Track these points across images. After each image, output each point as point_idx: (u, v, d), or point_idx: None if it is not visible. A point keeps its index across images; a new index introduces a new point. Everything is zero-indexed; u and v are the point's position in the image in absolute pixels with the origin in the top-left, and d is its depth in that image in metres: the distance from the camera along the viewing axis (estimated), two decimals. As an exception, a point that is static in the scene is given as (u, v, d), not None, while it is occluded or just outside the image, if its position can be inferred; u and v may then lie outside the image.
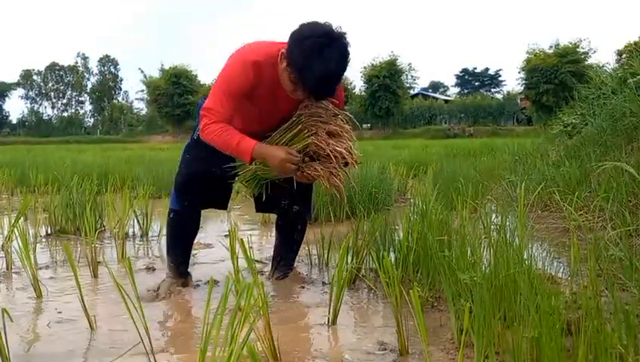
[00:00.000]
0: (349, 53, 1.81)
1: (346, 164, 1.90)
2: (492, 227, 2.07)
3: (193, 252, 2.79)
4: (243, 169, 2.03)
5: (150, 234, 3.34)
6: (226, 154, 1.96)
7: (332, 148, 1.85)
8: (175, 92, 36.90)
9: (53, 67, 64.57)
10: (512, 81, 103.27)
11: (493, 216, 2.70)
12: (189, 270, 2.28)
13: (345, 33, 1.82)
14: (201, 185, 2.13)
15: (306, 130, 1.89)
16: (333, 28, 1.80)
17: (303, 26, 1.81)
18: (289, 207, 2.23)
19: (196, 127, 2.14)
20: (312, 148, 1.88)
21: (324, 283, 2.22)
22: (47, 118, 62.56)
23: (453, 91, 67.23)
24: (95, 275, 2.37)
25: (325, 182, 1.87)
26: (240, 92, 1.90)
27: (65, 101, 64.37)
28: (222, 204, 2.28)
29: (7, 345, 1.38)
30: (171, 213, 2.21)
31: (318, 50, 1.74)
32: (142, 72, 51.31)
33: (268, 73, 1.88)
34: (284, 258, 2.33)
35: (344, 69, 1.82)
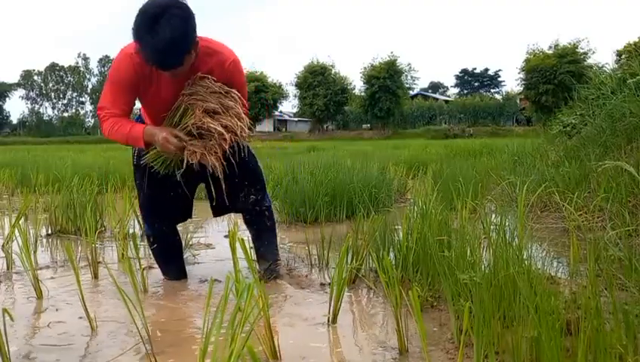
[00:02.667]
0: (184, 24, 1.76)
1: (225, 140, 1.89)
2: (492, 227, 2.07)
3: (194, 252, 2.81)
4: (155, 159, 2.02)
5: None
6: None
7: (207, 126, 1.87)
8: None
9: (53, 67, 64.57)
10: (512, 82, 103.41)
11: (493, 216, 2.71)
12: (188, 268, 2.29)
13: (186, 5, 1.80)
14: (161, 202, 2.21)
15: (189, 110, 1.91)
16: (176, 0, 1.78)
17: (146, 2, 1.79)
18: (246, 198, 2.26)
19: (133, 153, 2.22)
20: (192, 126, 1.89)
21: (323, 284, 2.22)
22: (47, 118, 62.58)
23: (453, 92, 67.32)
24: (95, 275, 2.37)
25: (205, 158, 1.89)
26: (124, 82, 1.93)
27: (65, 101, 64.37)
28: (186, 214, 2.32)
29: (7, 345, 1.38)
30: (150, 239, 2.29)
31: (149, 23, 1.73)
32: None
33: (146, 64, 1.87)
34: (267, 253, 2.32)
35: (181, 37, 1.76)
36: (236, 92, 1.98)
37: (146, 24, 1.73)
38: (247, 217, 2.34)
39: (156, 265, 2.60)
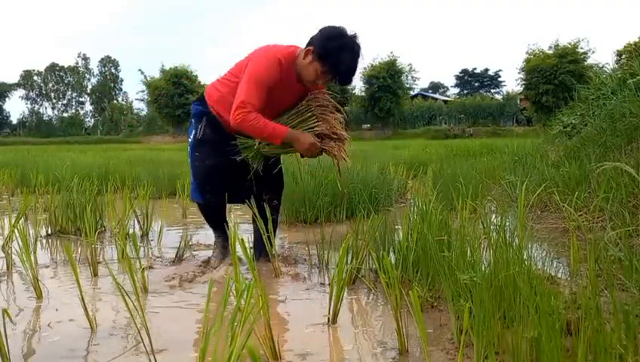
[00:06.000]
0: (361, 54, 2.29)
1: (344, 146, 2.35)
2: (492, 227, 2.07)
3: (193, 252, 2.82)
4: (247, 149, 2.44)
5: (150, 234, 3.34)
6: (227, 141, 2.45)
7: (339, 132, 2.33)
8: (175, 92, 36.84)
9: (53, 67, 64.60)
10: (512, 82, 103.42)
11: (493, 216, 2.71)
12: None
13: (360, 40, 2.30)
14: (219, 175, 2.55)
15: (314, 117, 2.35)
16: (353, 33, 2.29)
17: (331, 28, 2.29)
18: (269, 201, 2.61)
19: (191, 130, 2.60)
20: (324, 131, 2.33)
21: (323, 284, 2.22)
22: (47, 118, 62.54)
23: (453, 92, 67.30)
24: (95, 275, 2.37)
25: (336, 154, 2.32)
26: (269, 84, 2.30)
27: (65, 102, 64.41)
28: (241, 196, 2.63)
29: (7, 345, 1.38)
30: (200, 204, 2.68)
31: (347, 47, 2.24)
32: (142, 72, 51.39)
33: (285, 70, 2.32)
34: (264, 247, 2.46)
35: (358, 66, 2.31)
36: (338, 112, 2.44)
37: (347, 48, 2.24)
38: (259, 213, 2.55)
39: (156, 265, 2.62)
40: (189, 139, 2.62)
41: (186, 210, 4.29)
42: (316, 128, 2.33)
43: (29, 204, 3.64)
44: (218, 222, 2.72)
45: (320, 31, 2.30)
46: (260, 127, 2.28)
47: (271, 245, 2.40)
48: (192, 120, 2.61)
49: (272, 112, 2.39)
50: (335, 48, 2.22)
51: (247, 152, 2.45)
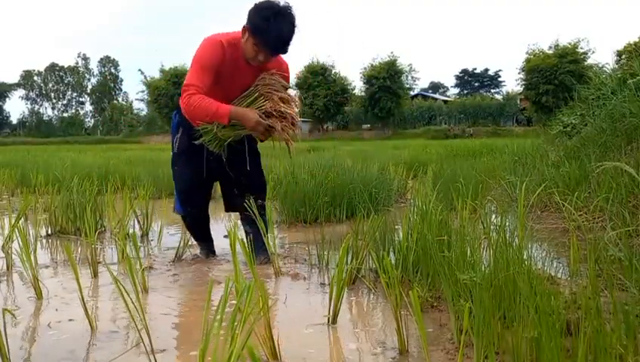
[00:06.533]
0: (296, 23, 2.30)
1: (294, 125, 2.38)
2: (492, 227, 2.07)
3: (194, 252, 2.82)
4: (206, 133, 2.43)
5: (150, 234, 3.34)
6: (201, 152, 2.48)
7: (284, 110, 2.36)
8: (175, 92, 36.82)
9: (53, 68, 64.60)
10: (512, 82, 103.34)
11: (493, 216, 2.71)
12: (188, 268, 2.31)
13: (294, 9, 2.30)
14: (198, 186, 2.62)
15: (262, 97, 2.39)
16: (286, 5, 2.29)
17: (260, 2, 2.29)
18: (255, 201, 2.58)
19: (174, 142, 2.63)
20: (268, 109, 2.36)
21: (324, 284, 2.22)
22: (47, 118, 62.59)
23: (453, 92, 67.32)
24: (95, 275, 2.37)
25: (280, 134, 2.35)
26: (212, 66, 2.32)
27: (65, 102, 64.44)
28: (236, 202, 2.68)
29: (7, 345, 1.38)
30: (184, 218, 2.75)
31: (274, 16, 2.23)
32: (142, 72, 51.35)
33: (230, 53, 2.34)
34: (260, 244, 2.52)
35: (293, 34, 2.30)
36: (291, 90, 2.52)
37: (274, 16, 2.23)
38: (247, 214, 2.57)
39: (156, 265, 2.62)
40: (171, 152, 2.68)
41: (186, 210, 4.28)
42: (263, 107, 2.36)
43: (29, 204, 3.64)
44: (201, 236, 2.80)
45: (253, 6, 2.31)
46: (204, 106, 2.29)
47: (263, 241, 2.46)
48: (172, 131, 2.66)
49: (228, 97, 2.42)
50: (263, 18, 2.23)
51: (207, 136, 2.44)
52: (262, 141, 2.49)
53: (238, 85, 2.43)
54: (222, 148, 2.44)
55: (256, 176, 2.67)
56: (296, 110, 2.42)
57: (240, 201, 2.58)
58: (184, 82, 2.35)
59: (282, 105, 2.36)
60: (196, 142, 2.45)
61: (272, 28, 2.23)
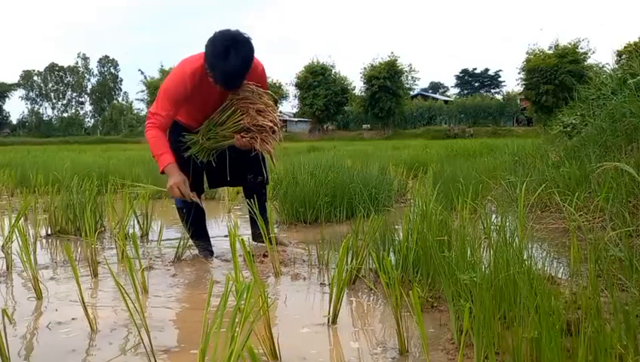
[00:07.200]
0: (250, 54, 2.31)
1: (274, 132, 2.46)
2: (492, 227, 2.07)
3: (194, 252, 2.82)
4: (194, 145, 2.58)
5: (150, 234, 3.34)
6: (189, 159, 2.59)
7: (261, 123, 2.42)
8: (175, 92, 36.77)
9: (53, 68, 64.58)
10: (512, 82, 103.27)
11: (493, 216, 2.70)
12: (188, 269, 2.31)
13: (249, 38, 2.31)
14: (192, 180, 2.61)
15: (238, 111, 2.45)
16: (241, 33, 2.29)
17: (215, 33, 2.30)
18: (254, 178, 2.77)
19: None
20: (245, 125, 2.43)
21: (324, 284, 2.22)
22: (47, 118, 62.55)
23: (453, 92, 67.29)
24: (95, 275, 2.37)
25: (262, 147, 2.44)
26: (177, 99, 2.42)
27: (65, 102, 64.39)
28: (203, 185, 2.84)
29: (7, 346, 1.38)
30: (180, 210, 2.76)
31: (224, 52, 2.23)
32: (142, 72, 51.34)
33: (200, 78, 2.39)
34: (259, 223, 2.52)
35: (247, 66, 2.32)
36: (269, 92, 2.54)
37: (220, 54, 2.23)
38: (248, 192, 2.80)
39: (156, 265, 2.62)
40: None
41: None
42: (241, 122, 2.44)
43: (29, 204, 3.64)
44: (198, 232, 2.81)
45: (210, 36, 2.31)
46: (153, 145, 2.44)
47: (267, 223, 2.53)
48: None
49: (205, 113, 2.56)
50: (214, 55, 2.25)
51: (194, 148, 2.58)
52: (247, 150, 2.52)
53: (212, 104, 2.54)
54: (211, 156, 2.58)
55: (254, 156, 2.67)
56: (276, 114, 2.48)
57: (242, 177, 2.73)
58: (150, 108, 2.48)
59: (259, 117, 2.42)
60: (185, 155, 2.56)
61: (221, 65, 2.24)
